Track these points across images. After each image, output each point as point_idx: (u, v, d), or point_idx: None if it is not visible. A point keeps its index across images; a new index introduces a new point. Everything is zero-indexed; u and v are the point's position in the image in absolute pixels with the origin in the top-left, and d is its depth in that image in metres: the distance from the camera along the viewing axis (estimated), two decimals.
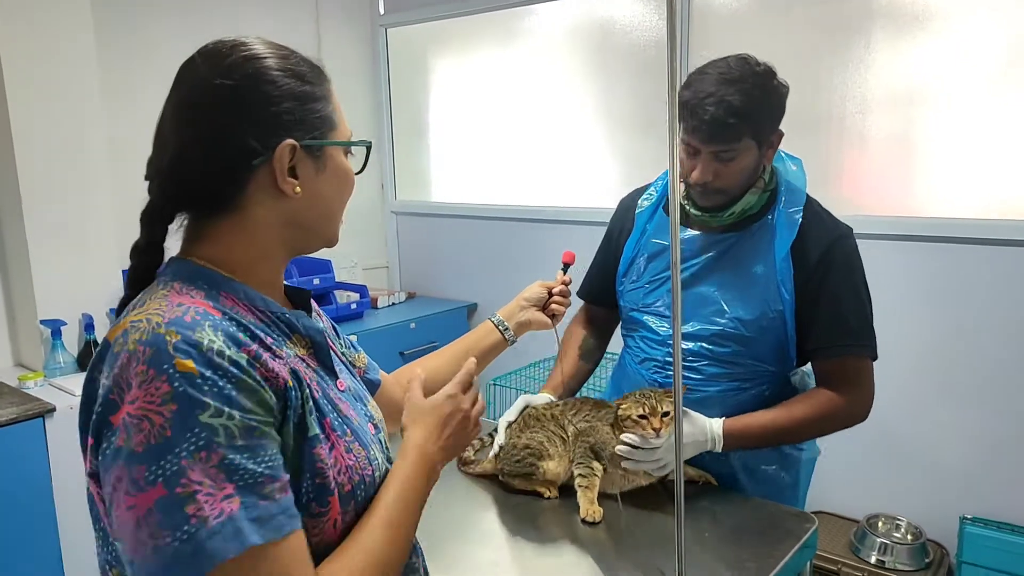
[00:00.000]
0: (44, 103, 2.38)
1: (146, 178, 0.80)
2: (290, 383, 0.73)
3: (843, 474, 2.69)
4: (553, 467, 1.43)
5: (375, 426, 0.89)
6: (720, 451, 1.40)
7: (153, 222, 0.79)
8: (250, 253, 0.80)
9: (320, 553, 0.73)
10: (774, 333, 1.43)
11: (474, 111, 3.60)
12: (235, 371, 0.68)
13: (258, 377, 0.70)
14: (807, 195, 1.47)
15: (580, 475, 1.40)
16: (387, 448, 0.92)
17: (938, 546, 2.47)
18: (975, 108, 2.32)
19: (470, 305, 3.67)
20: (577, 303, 1.71)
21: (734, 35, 2.74)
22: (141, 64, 2.89)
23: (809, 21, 2.57)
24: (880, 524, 2.53)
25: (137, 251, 0.80)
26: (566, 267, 1.45)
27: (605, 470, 1.41)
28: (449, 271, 3.79)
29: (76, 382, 2.28)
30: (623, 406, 1.38)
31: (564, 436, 1.46)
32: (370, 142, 0.88)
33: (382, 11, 3.79)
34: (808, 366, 1.51)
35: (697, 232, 1.50)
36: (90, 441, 0.69)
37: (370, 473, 0.80)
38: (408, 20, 3.72)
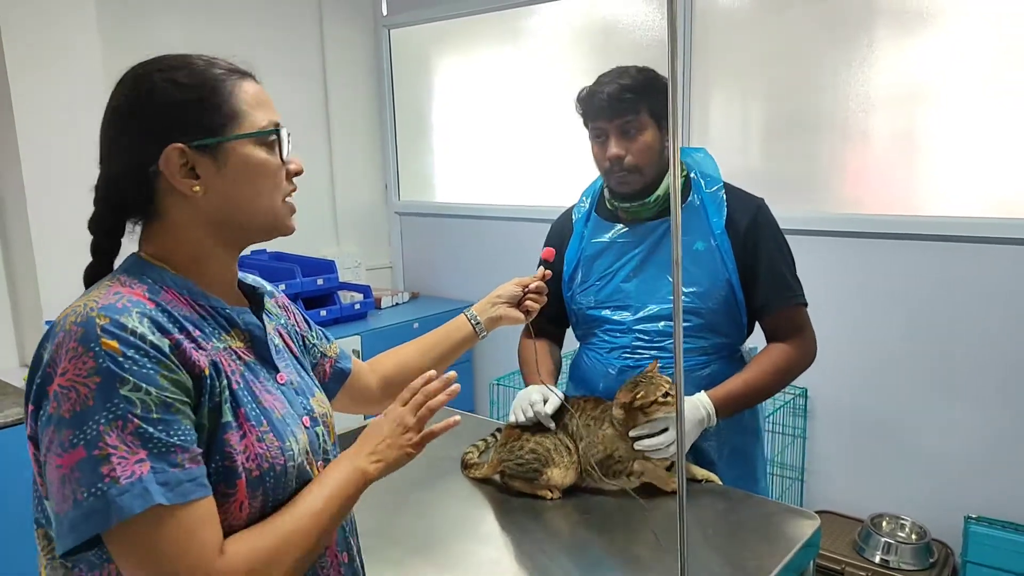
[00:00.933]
0: (49, 103, 2.39)
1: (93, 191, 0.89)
2: (207, 372, 0.79)
3: (847, 474, 2.69)
4: (558, 475, 1.44)
5: (312, 419, 0.93)
6: (714, 424, 1.47)
7: (98, 231, 0.89)
8: (189, 253, 0.86)
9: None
10: (725, 301, 1.56)
11: (477, 111, 3.61)
12: (155, 353, 0.75)
13: (177, 362, 0.76)
14: (722, 178, 1.61)
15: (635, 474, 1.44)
16: (325, 440, 0.95)
17: (943, 545, 2.46)
18: (978, 107, 2.31)
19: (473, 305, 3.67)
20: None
21: (737, 34, 2.74)
22: (147, 56, 2.89)
23: (812, 20, 2.57)
24: (884, 524, 2.52)
25: (91, 253, 0.89)
26: (545, 263, 1.49)
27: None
28: (452, 271, 3.80)
29: None
30: (639, 395, 1.40)
31: (570, 444, 1.46)
32: (276, 129, 0.87)
33: (385, 12, 3.79)
34: (748, 344, 1.67)
35: (630, 227, 1.62)
36: (30, 408, 0.76)
37: (281, 463, 0.84)
38: (411, 21, 3.73)
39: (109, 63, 2.61)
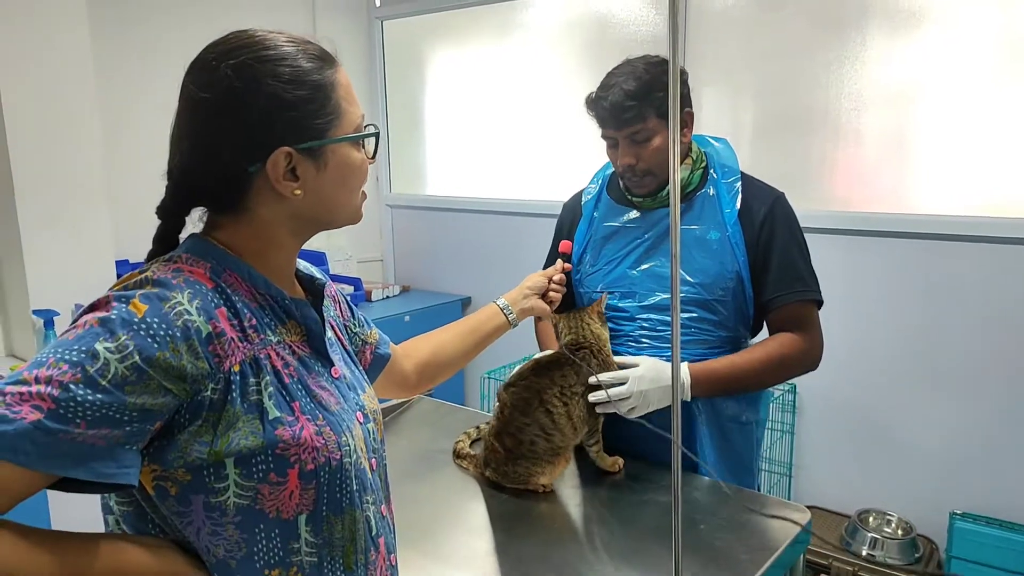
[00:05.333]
0: (38, 92, 2.36)
1: (166, 176, 0.84)
2: (236, 369, 0.76)
3: (835, 470, 2.72)
4: (547, 477, 1.44)
5: (364, 415, 0.92)
6: (689, 398, 1.47)
7: (166, 217, 0.85)
8: (259, 244, 0.85)
9: (274, 517, 0.79)
10: (732, 293, 1.52)
11: (470, 104, 3.60)
12: (179, 332, 0.72)
13: (204, 351, 0.74)
14: (740, 170, 1.59)
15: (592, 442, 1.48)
16: (375, 437, 0.94)
17: (928, 541, 2.49)
18: (970, 105, 2.33)
19: (464, 299, 3.67)
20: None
21: (730, 31, 2.74)
22: (136, 53, 2.87)
23: (805, 17, 2.58)
24: (871, 519, 2.55)
25: (155, 239, 0.86)
26: (566, 257, 1.54)
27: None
28: (444, 264, 3.79)
29: None
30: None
31: (563, 426, 1.44)
32: (376, 132, 0.89)
33: (378, 3, 3.77)
34: (755, 341, 1.62)
35: (641, 213, 1.60)
36: None
37: (338, 459, 0.83)
38: (404, 12, 3.71)
39: (99, 50, 2.58)
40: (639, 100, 1.44)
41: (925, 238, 2.43)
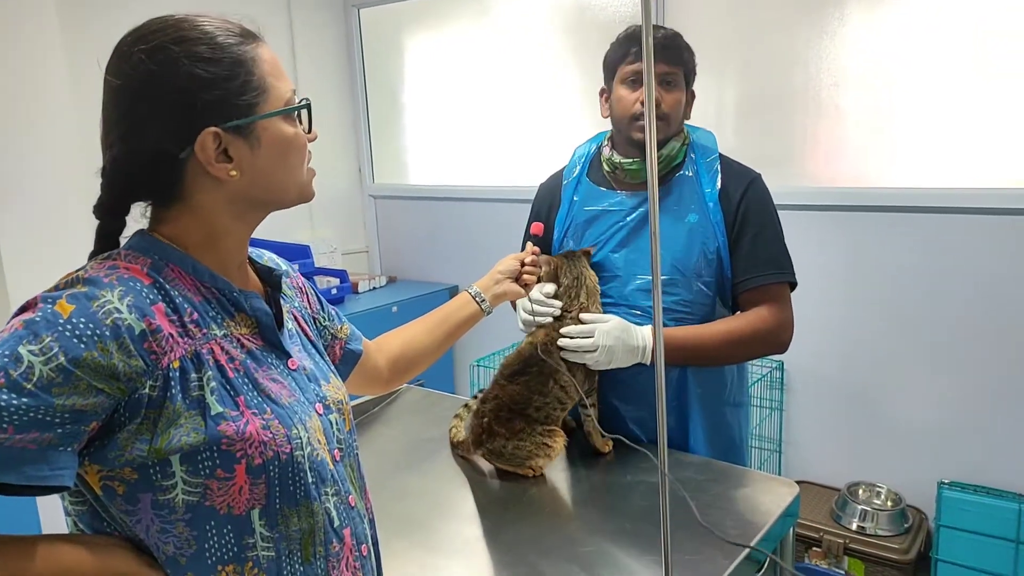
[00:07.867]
0: (11, 92, 2.32)
1: (100, 175, 0.82)
2: (175, 365, 0.75)
3: (824, 444, 2.74)
4: (543, 462, 1.44)
5: (325, 406, 0.90)
6: (648, 362, 1.47)
7: (104, 216, 0.82)
8: (203, 233, 0.83)
9: (224, 513, 0.77)
10: (713, 274, 1.52)
11: (450, 91, 3.57)
12: (107, 331, 0.70)
13: (138, 349, 0.72)
14: (718, 150, 1.60)
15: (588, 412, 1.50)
16: (339, 428, 0.93)
17: (917, 511, 2.51)
18: (951, 78, 2.33)
19: (451, 287, 3.66)
20: None
21: (709, 6, 2.73)
22: (109, 50, 2.82)
23: None
24: (860, 492, 2.57)
25: (96, 239, 0.83)
26: (535, 238, 1.54)
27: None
28: (430, 254, 3.78)
29: None
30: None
31: (573, 394, 1.46)
32: (306, 103, 0.86)
33: None
34: None
35: (624, 194, 1.60)
36: None
37: (288, 452, 0.81)
38: (381, 0, 3.68)
39: (71, 47, 2.54)
40: (681, 47, 1.51)
41: (910, 211, 2.44)
